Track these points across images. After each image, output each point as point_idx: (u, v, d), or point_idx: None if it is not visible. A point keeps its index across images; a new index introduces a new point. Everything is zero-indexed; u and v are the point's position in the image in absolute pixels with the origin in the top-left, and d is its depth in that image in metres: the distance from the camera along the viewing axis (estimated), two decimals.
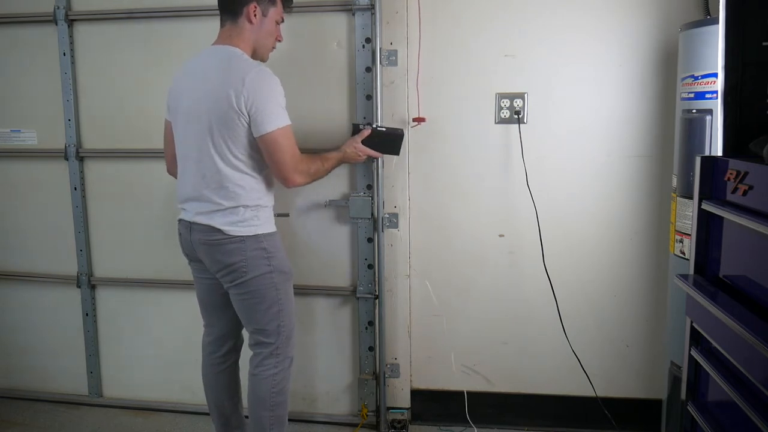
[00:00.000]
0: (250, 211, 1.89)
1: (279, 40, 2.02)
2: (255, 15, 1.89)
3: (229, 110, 1.80)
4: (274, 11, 1.94)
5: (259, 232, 1.91)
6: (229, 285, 1.95)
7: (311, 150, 2.40)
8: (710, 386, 1.56)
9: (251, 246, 1.89)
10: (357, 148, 2.15)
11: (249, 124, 1.82)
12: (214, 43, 1.94)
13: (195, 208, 1.93)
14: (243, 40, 1.91)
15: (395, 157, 2.41)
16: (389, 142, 2.22)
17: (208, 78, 1.85)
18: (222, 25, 1.94)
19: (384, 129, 2.21)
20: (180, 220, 2.01)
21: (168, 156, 2.11)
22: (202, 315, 2.14)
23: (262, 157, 1.89)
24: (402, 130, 2.23)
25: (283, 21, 2.01)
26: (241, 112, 1.80)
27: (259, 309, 1.94)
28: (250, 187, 1.89)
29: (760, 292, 1.32)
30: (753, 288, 1.36)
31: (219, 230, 1.88)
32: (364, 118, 2.35)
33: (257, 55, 1.96)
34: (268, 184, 1.96)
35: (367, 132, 2.17)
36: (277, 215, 2.24)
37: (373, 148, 2.18)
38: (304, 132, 2.44)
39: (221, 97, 1.80)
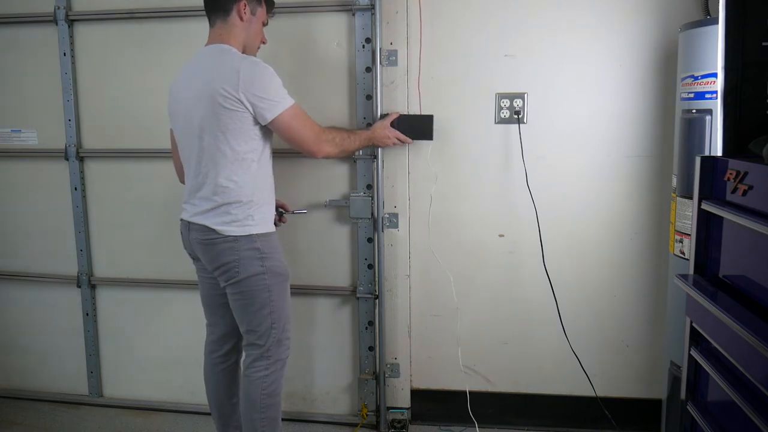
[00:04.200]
0: (245, 209, 1.88)
1: (263, 43, 2.04)
2: (245, 12, 1.91)
3: (225, 104, 1.80)
4: (261, 12, 1.97)
5: (253, 232, 1.90)
6: (224, 284, 1.96)
7: None
8: (710, 386, 1.56)
9: (244, 246, 1.89)
10: (389, 129, 2.23)
11: (253, 114, 1.83)
12: (206, 44, 1.94)
13: (193, 207, 1.94)
14: (234, 37, 1.92)
15: (398, 156, 2.41)
16: (419, 126, 2.29)
17: (200, 77, 1.86)
18: (212, 25, 1.94)
19: (412, 114, 2.27)
20: (181, 220, 2.02)
21: (176, 165, 2.12)
22: (204, 314, 2.14)
23: (261, 149, 1.90)
24: (431, 115, 2.30)
25: (267, 24, 2.03)
26: (242, 103, 1.80)
27: (250, 310, 1.94)
28: (243, 182, 1.88)
29: (760, 292, 1.32)
30: (753, 288, 1.35)
31: (213, 230, 1.88)
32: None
33: (247, 51, 1.97)
34: (265, 181, 1.95)
35: (394, 115, 2.26)
36: (294, 212, 2.29)
37: (403, 133, 2.27)
38: None
39: (215, 93, 1.80)
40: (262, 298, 1.93)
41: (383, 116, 2.31)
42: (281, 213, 2.19)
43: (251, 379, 1.98)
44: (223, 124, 1.82)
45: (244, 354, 2.04)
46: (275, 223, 2.04)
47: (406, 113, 2.34)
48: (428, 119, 2.31)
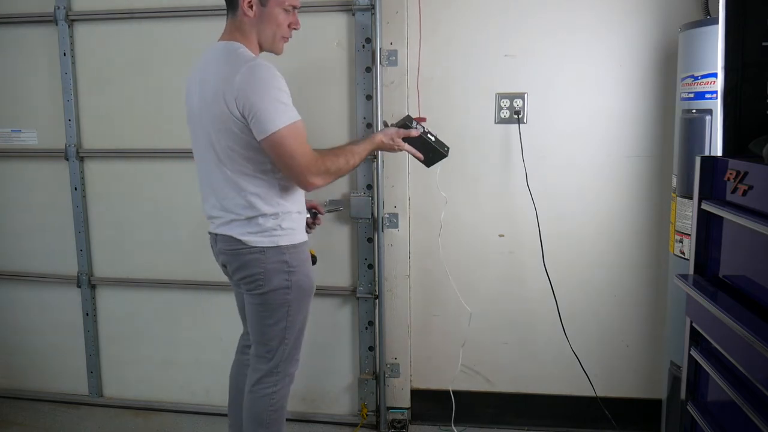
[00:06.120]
0: (271, 219, 1.76)
1: (295, 28, 1.83)
2: (251, 7, 1.74)
3: (226, 114, 1.67)
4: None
5: (282, 243, 1.77)
6: (245, 292, 1.86)
7: None
8: (710, 386, 1.56)
9: (272, 258, 1.77)
10: (396, 142, 1.93)
11: (249, 127, 1.67)
12: (218, 39, 1.82)
13: (216, 219, 1.84)
14: (243, 34, 1.77)
15: (398, 156, 2.41)
16: (429, 153, 2.01)
17: (206, 79, 1.74)
18: (226, 19, 1.82)
19: (433, 139, 2.00)
20: (209, 233, 1.91)
21: None
22: (240, 318, 2.06)
23: None
24: (449, 149, 2.04)
25: (295, 8, 1.80)
26: (236, 116, 1.66)
27: (266, 323, 1.84)
28: (265, 192, 1.75)
29: (760, 292, 1.32)
30: (753, 288, 1.35)
31: (239, 240, 1.77)
32: (418, 123, 2.01)
33: (265, 47, 1.81)
34: (289, 190, 1.80)
35: (415, 133, 1.96)
36: (329, 210, 2.23)
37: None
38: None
39: (218, 101, 1.67)
40: (279, 313, 1.82)
41: (405, 121, 1.99)
42: (315, 214, 2.06)
43: (258, 395, 1.87)
44: (232, 134, 1.70)
45: (251, 367, 1.91)
46: (309, 226, 1.94)
47: (428, 133, 2.01)
48: (442, 154, 2.04)
